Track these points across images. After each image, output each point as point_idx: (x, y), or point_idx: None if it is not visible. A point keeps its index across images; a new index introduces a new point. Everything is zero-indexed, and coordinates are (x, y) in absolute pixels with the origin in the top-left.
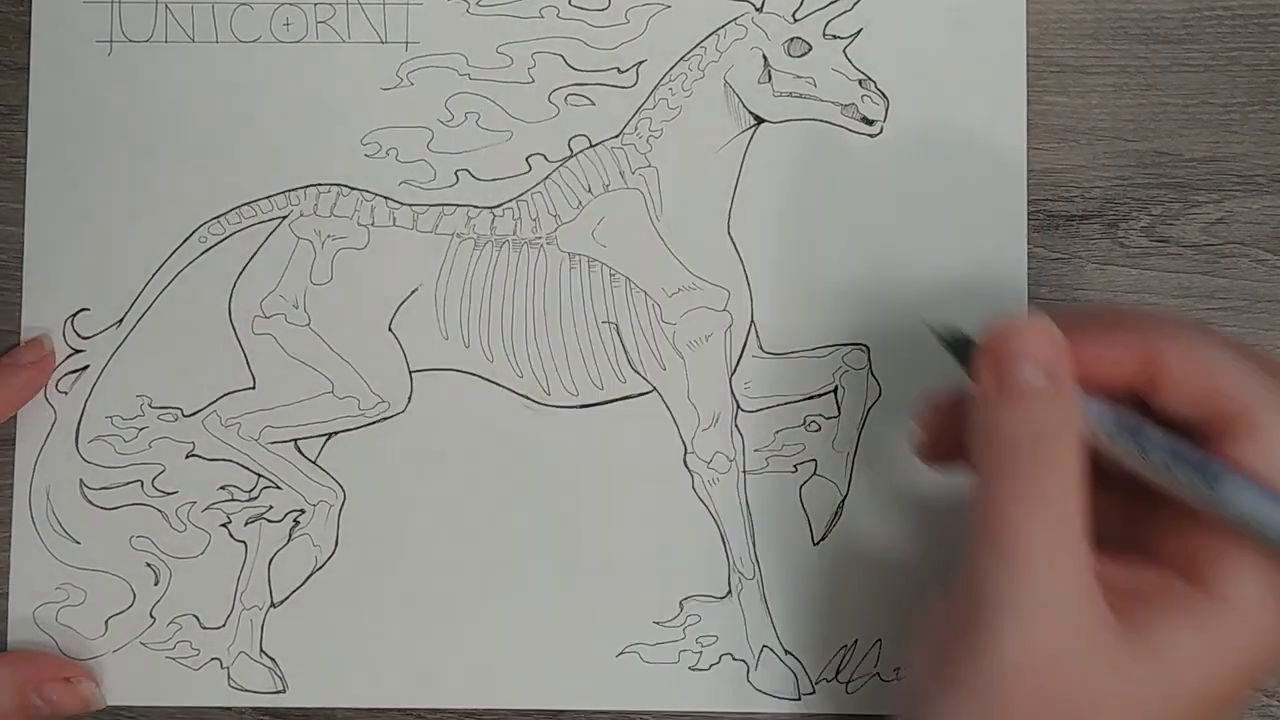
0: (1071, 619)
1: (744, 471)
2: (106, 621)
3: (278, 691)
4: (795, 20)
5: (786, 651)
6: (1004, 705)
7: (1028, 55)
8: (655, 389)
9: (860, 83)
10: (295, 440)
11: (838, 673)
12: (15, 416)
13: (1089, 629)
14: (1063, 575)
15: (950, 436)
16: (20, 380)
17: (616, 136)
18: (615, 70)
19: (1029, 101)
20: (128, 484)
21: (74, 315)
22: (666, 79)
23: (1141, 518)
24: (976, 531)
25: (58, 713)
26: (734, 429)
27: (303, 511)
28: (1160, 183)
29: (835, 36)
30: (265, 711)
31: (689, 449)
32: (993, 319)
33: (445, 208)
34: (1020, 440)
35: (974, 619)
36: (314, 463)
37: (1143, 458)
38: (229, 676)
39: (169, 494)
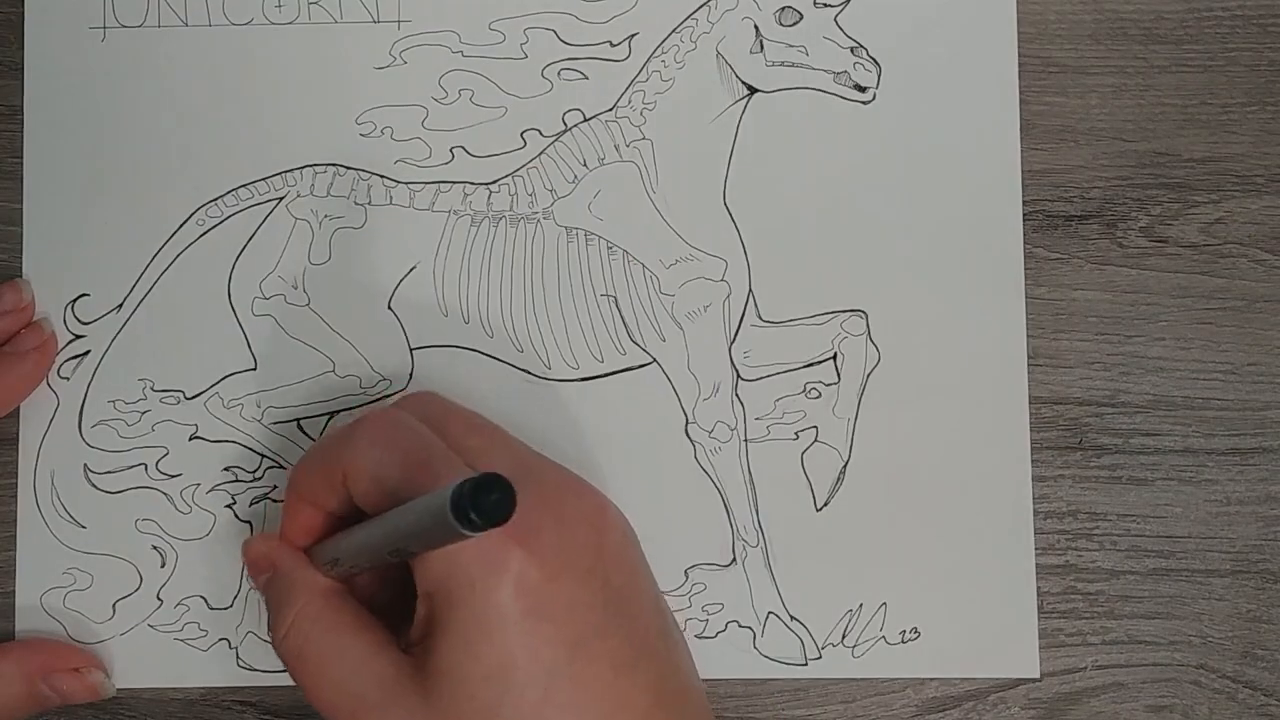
0: (385, 715)
1: (745, 440)
2: (114, 605)
3: (285, 670)
4: None
5: (792, 617)
6: None
7: (1027, 56)
8: (655, 360)
9: (852, 50)
10: (298, 420)
11: (844, 637)
12: (18, 409)
13: (398, 708)
14: (357, 691)
15: None
16: (25, 366)
17: (610, 110)
18: (608, 44)
19: (1028, 103)
20: (132, 467)
21: (74, 301)
22: (659, 51)
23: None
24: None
25: (67, 702)
26: (734, 398)
27: None
28: (1159, 183)
29: (826, 5)
30: (274, 690)
31: (690, 419)
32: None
33: (441, 185)
34: (274, 613)
35: None
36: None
37: (366, 559)
38: (238, 657)
39: (173, 476)
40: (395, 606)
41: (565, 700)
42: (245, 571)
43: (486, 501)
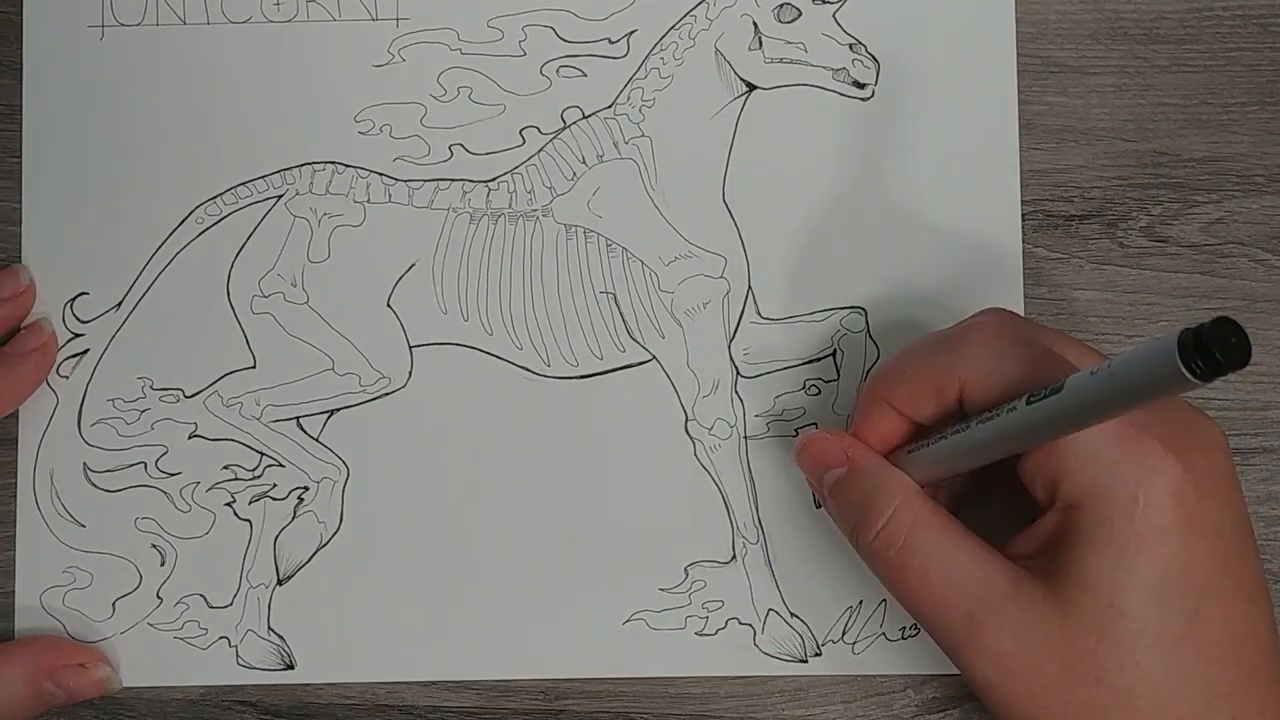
0: (1005, 621)
1: (745, 437)
2: (113, 604)
3: (286, 668)
4: None
5: (792, 614)
6: (1016, 716)
7: (1027, 56)
8: (655, 357)
9: (850, 47)
10: (297, 418)
11: (844, 633)
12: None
13: (1023, 616)
14: (972, 593)
15: None
16: (26, 368)
17: (609, 107)
18: (606, 41)
19: (1028, 102)
20: (131, 466)
21: (73, 299)
22: (658, 48)
23: (1014, 496)
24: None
25: (74, 698)
26: (734, 395)
27: (306, 489)
28: (1159, 183)
29: (825, 1)
30: (274, 689)
31: (690, 416)
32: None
33: (440, 183)
34: (860, 515)
35: (958, 666)
36: (316, 440)
37: (947, 456)
38: (237, 655)
39: (173, 475)
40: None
41: (1212, 620)
42: (801, 465)
43: (1228, 344)
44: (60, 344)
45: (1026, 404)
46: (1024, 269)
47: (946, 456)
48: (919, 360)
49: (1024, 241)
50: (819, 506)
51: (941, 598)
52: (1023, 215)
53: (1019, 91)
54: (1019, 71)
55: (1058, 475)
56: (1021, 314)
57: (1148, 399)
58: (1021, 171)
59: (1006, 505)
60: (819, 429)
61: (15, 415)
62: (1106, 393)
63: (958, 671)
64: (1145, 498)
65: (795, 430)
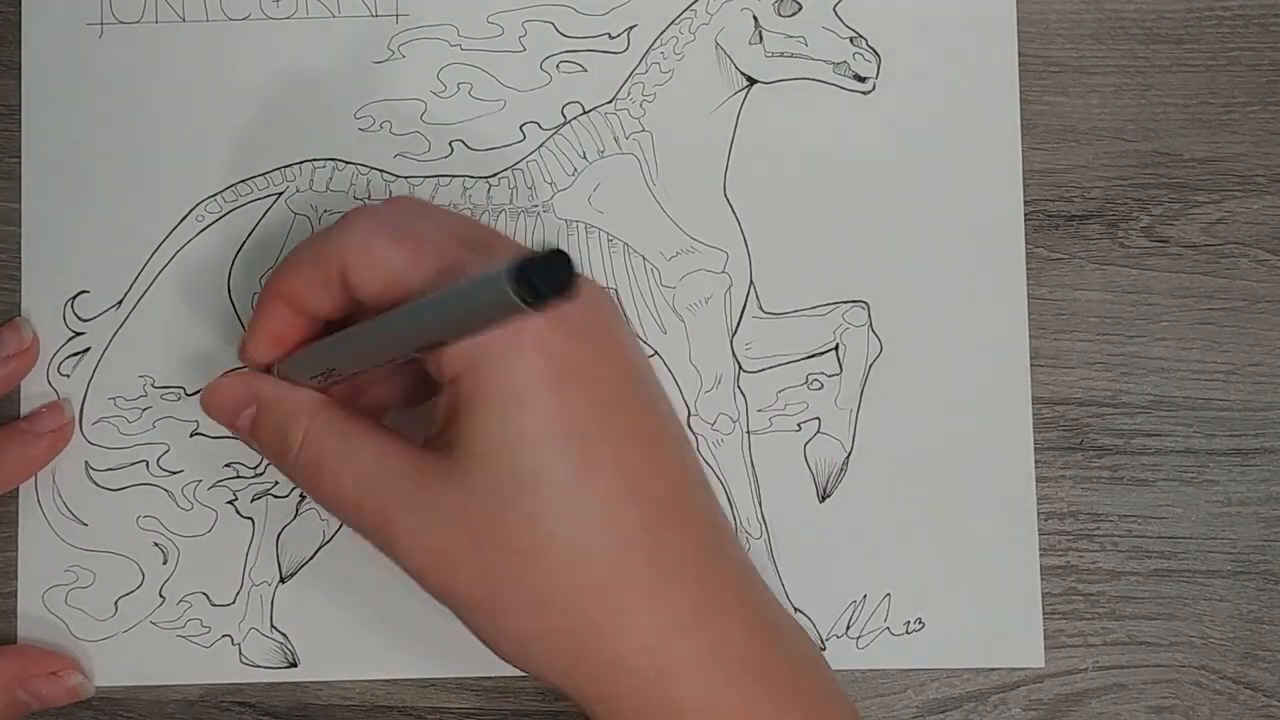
0: (412, 504)
1: (748, 432)
2: (116, 602)
3: (290, 666)
4: None
5: (796, 609)
6: (460, 603)
7: (1028, 56)
8: (657, 353)
9: (851, 40)
10: None
11: (848, 628)
12: (18, 398)
13: (427, 495)
14: (382, 486)
15: None
16: (38, 448)
17: (610, 102)
18: (606, 36)
19: (1029, 102)
20: (133, 464)
21: (73, 298)
22: (658, 43)
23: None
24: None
25: (46, 706)
26: (736, 390)
27: None
28: (1160, 183)
29: None
30: (274, 689)
31: (692, 411)
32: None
33: (441, 179)
34: (276, 447)
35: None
36: None
37: (348, 356)
38: (240, 653)
39: (174, 473)
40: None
41: (604, 465)
42: (211, 414)
43: (553, 275)
44: (61, 343)
45: (386, 319)
46: (1025, 269)
47: (343, 354)
48: (306, 249)
49: (1025, 241)
50: (824, 500)
51: (356, 501)
52: (1024, 215)
53: (1020, 91)
54: (1020, 71)
55: (440, 353)
56: (1026, 317)
57: (485, 326)
58: (1022, 171)
59: (425, 389)
60: (217, 378)
61: (15, 411)
62: (439, 318)
63: (961, 668)
64: (513, 354)
65: (798, 424)
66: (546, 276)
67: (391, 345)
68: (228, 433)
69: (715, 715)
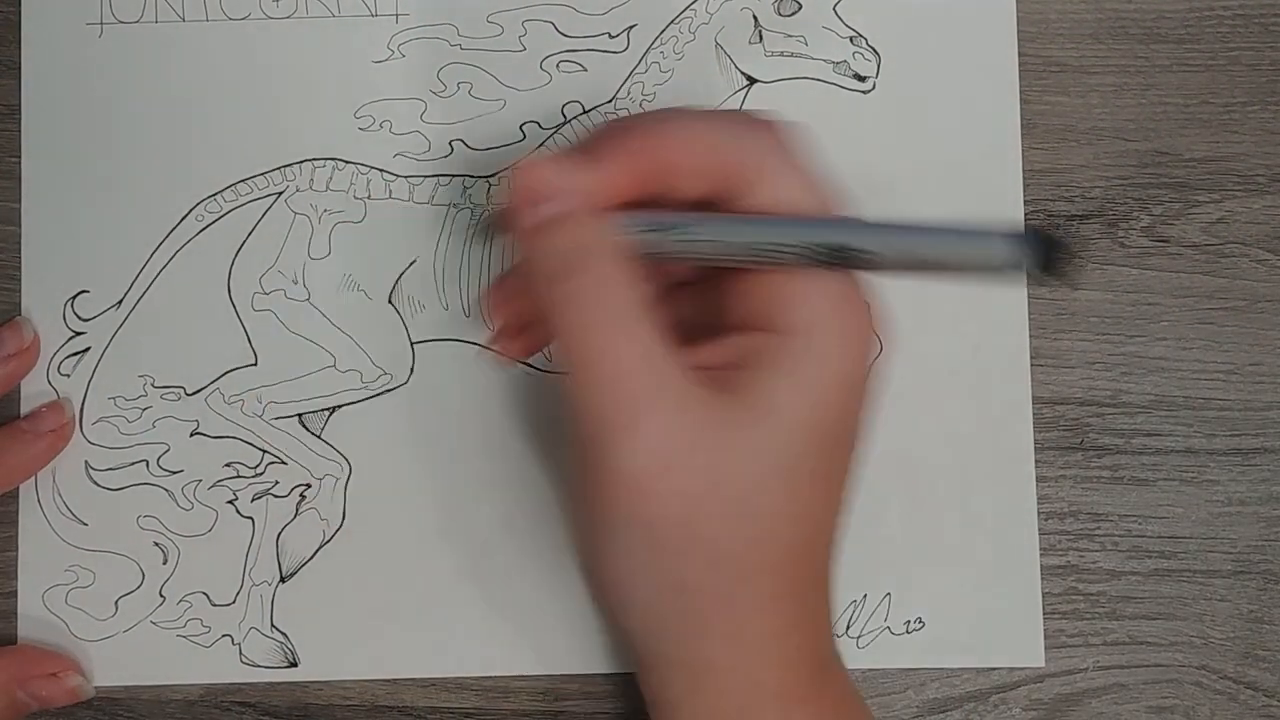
0: (669, 415)
1: None
2: (116, 602)
3: (290, 665)
4: None
5: None
6: (641, 525)
7: (1028, 55)
8: None
9: (851, 40)
10: (299, 415)
11: (847, 628)
12: (19, 398)
13: (689, 416)
14: (644, 376)
15: (525, 316)
16: (38, 447)
17: (610, 102)
18: (606, 36)
19: (1029, 102)
20: (133, 464)
21: (73, 297)
22: (658, 43)
23: (715, 302)
24: (564, 368)
25: (46, 707)
26: None
27: (309, 486)
28: (1160, 183)
29: None
30: (274, 689)
31: None
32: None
33: (441, 178)
34: (561, 266)
35: (589, 460)
36: (318, 437)
37: (690, 241)
38: (241, 653)
39: (174, 473)
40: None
41: (839, 470)
42: (515, 184)
43: (1057, 255)
44: (61, 342)
45: (835, 224)
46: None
47: (694, 239)
48: (707, 130)
49: None
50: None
51: (615, 375)
52: (1023, 215)
53: (1020, 91)
54: (1020, 71)
55: (786, 299)
56: (1026, 317)
57: (963, 274)
58: (1022, 171)
59: (695, 314)
60: (537, 158)
61: (15, 411)
62: (922, 250)
63: (961, 667)
64: (843, 350)
65: None
66: (1053, 253)
67: (791, 252)
68: (227, 432)
69: (789, 701)
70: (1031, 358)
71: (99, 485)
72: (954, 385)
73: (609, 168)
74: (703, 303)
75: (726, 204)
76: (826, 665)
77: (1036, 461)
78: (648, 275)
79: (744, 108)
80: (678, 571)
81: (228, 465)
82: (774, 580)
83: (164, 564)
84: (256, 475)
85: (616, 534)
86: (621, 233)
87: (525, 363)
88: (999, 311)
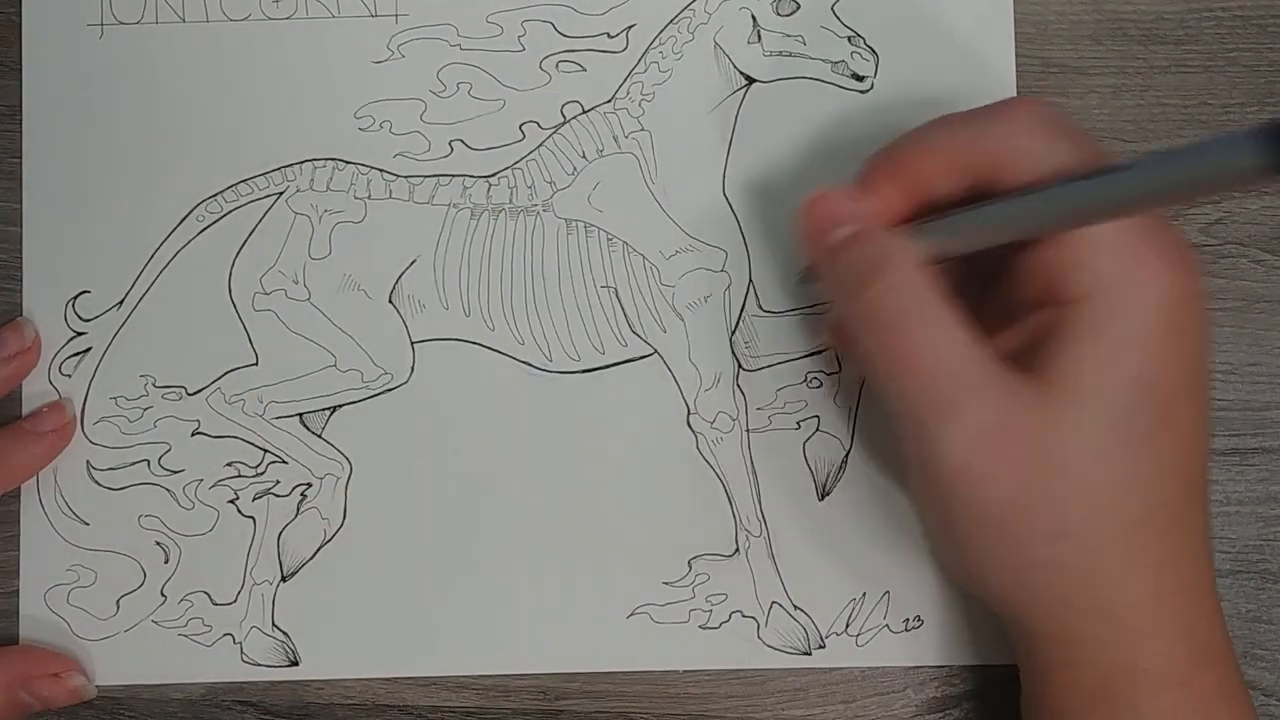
0: (986, 400)
1: (747, 430)
2: (118, 601)
3: (291, 664)
4: None
5: (796, 607)
6: (977, 509)
7: (1027, 56)
8: (656, 351)
9: (850, 39)
10: (300, 414)
11: (848, 626)
12: (20, 398)
13: (1004, 399)
14: (956, 367)
15: None
16: (40, 447)
17: (609, 101)
18: (605, 36)
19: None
20: (134, 464)
21: (75, 298)
22: (656, 42)
23: (1009, 290)
24: (876, 380)
25: (48, 707)
26: (736, 388)
27: (310, 485)
28: None
29: None
30: (275, 688)
31: (692, 410)
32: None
33: (441, 178)
34: (862, 277)
35: (917, 456)
36: (319, 436)
37: (963, 233)
38: (242, 652)
39: (176, 472)
40: None
41: (1177, 431)
42: (805, 220)
43: None
44: (62, 343)
45: (1087, 178)
46: None
47: (965, 230)
48: (947, 134)
49: None
50: (823, 498)
51: (929, 368)
52: None
53: (1018, 92)
54: (1018, 72)
55: (1062, 271)
56: None
57: (1219, 187)
58: None
59: (988, 306)
60: (824, 191)
61: (17, 411)
62: (1176, 175)
63: (962, 664)
64: (1143, 302)
65: (797, 423)
66: None
67: (1061, 218)
68: (228, 432)
69: (1160, 684)
70: None
71: (100, 485)
72: None
73: (881, 190)
74: (998, 293)
75: (989, 191)
76: (1208, 646)
77: None
78: (941, 275)
79: (743, 107)
80: (1025, 550)
81: (229, 465)
82: (1125, 551)
83: (165, 563)
84: (257, 475)
85: (956, 520)
86: (909, 240)
87: (525, 362)
88: None
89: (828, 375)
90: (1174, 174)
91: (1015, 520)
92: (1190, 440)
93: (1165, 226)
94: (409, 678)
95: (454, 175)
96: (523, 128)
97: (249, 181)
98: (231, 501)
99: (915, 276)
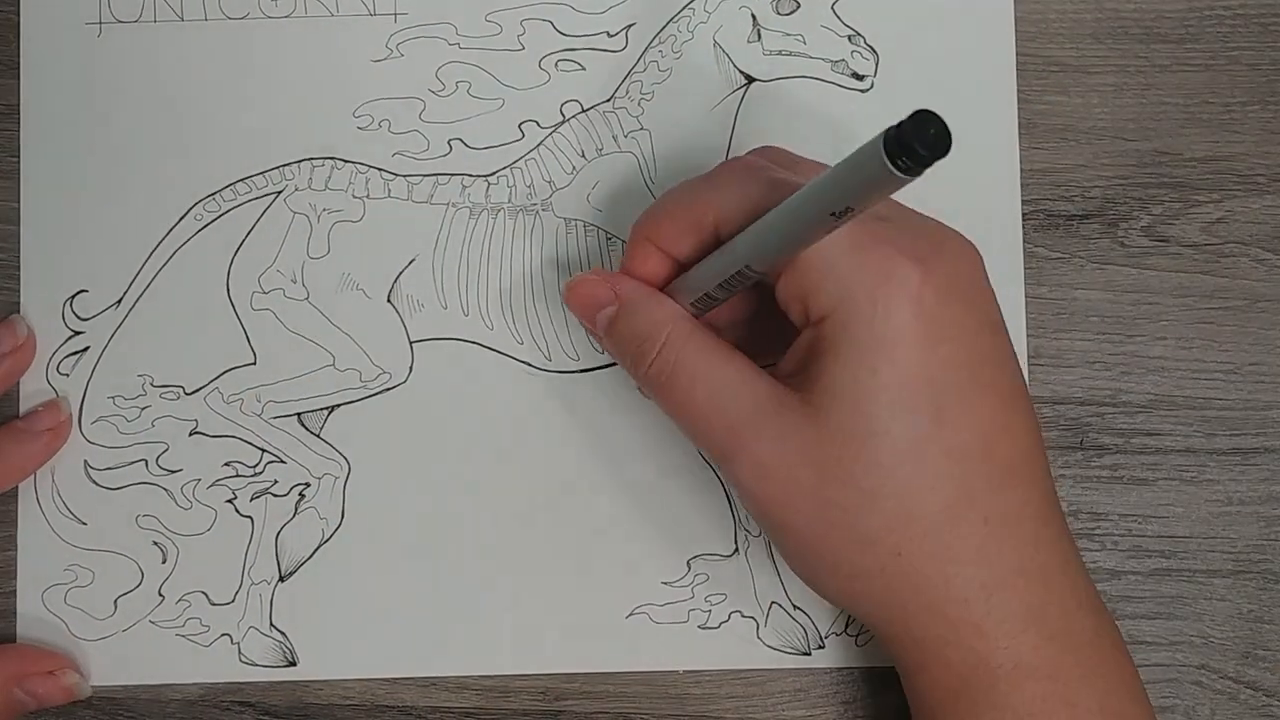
0: (763, 433)
1: None
2: (115, 601)
3: (289, 664)
4: None
5: (795, 607)
6: (791, 532)
7: (1028, 55)
8: None
9: (849, 39)
10: (298, 414)
11: (847, 626)
12: (17, 397)
13: (781, 428)
14: (735, 407)
15: None
16: (36, 446)
17: (608, 100)
18: (604, 34)
19: (1029, 101)
20: (132, 463)
21: (72, 297)
22: (656, 41)
23: (778, 324)
24: (680, 425)
25: (43, 705)
26: None
27: (308, 485)
28: (1160, 182)
29: None
30: (273, 688)
31: None
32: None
33: (439, 177)
34: (640, 344)
35: (727, 478)
36: (317, 436)
37: (708, 281)
38: (239, 652)
39: (174, 472)
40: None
41: (957, 421)
42: (572, 307)
43: (927, 135)
44: (60, 342)
45: (767, 212)
46: (1024, 268)
47: (704, 279)
48: (677, 198)
49: (1024, 241)
50: None
51: (706, 413)
52: (1023, 215)
53: (1019, 91)
54: (1019, 70)
55: (806, 293)
56: (1025, 317)
57: (868, 200)
58: (1021, 171)
59: (775, 338)
60: (583, 273)
61: (14, 410)
62: (825, 195)
63: None
64: (884, 303)
65: None
66: (920, 139)
67: (761, 252)
68: (226, 432)
69: (1018, 676)
70: (1031, 357)
71: (98, 484)
72: None
73: (636, 259)
74: (775, 324)
75: (719, 244)
76: (1063, 631)
77: None
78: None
79: (743, 107)
80: (844, 564)
81: (227, 464)
82: (938, 549)
83: (163, 563)
84: (255, 474)
85: (780, 544)
86: (667, 298)
87: (524, 361)
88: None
89: None
90: (826, 190)
91: (824, 538)
92: (989, 424)
93: (913, 225)
94: (408, 678)
95: (453, 174)
96: (522, 127)
97: (247, 180)
98: (229, 501)
99: (681, 329)
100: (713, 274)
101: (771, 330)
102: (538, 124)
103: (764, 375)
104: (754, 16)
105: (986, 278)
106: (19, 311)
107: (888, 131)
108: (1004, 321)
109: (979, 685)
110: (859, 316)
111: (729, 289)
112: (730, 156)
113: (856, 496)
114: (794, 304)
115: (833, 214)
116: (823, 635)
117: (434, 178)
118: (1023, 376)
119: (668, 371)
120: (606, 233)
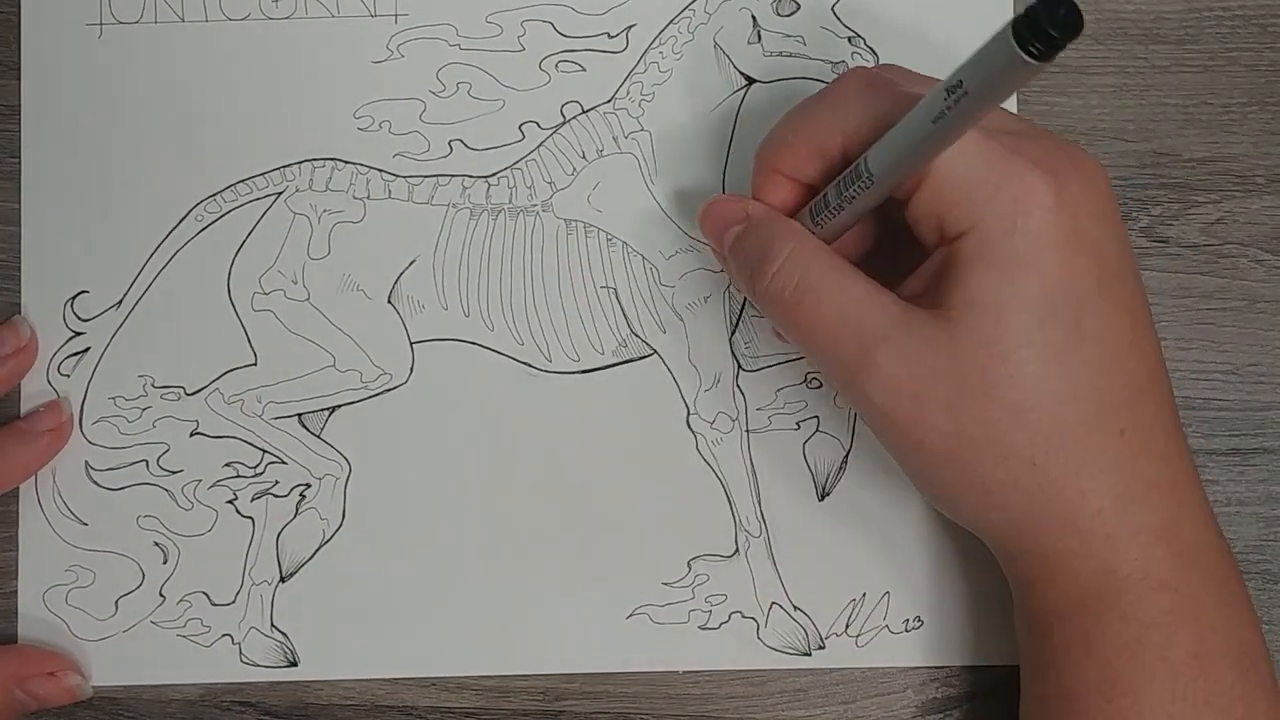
0: (895, 347)
1: (747, 431)
2: (116, 602)
3: (290, 665)
4: None
5: (796, 607)
6: (915, 449)
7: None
8: (656, 352)
9: (850, 40)
10: (299, 415)
11: (847, 626)
12: (19, 399)
13: (914, 342)
14: (867, 315)
15: None
16: (38, 447)
17: (609, 102)
18: (605, 36)
19: (1028, 102)
20: (133, 464)
21: (73, 298)
22: (656, 43)
23: (910, 247)
24: (801, 351)
25: (44, 706)
26: (736, 389)
27: (308, 486)
28: (1160, 183)
29: None
30: (274, 689)
31: (691, 410)
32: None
33: (440, 178)
34: (759, 258)
35: (857, 409)
36: (318, 436)
37: (834, 205)
38: (240, 652)
39: (174, 473)
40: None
41: (1094, 334)
42: (704, 228)
43: (1057, 16)
44: (61, 342)
45: (898, 120)
46: None
47: (832, 202)
48: (799, 125)
49: None
50: (823, 499)
51: (836, 331)
52: None
53: (1017, 92)
54: None
55: (942, 210)
56: None
57: (999, 92)
58: None
59: (894, 272)
60: (715, 196)
61: (15, 411)
62: (958, 96)
63: (962, 665)
64: (1023, 217)
65: (797, 423)
66: (1052, 20)
67: (895, 167)
68: (227, 432)
69: (1145, 587)
70: None
71: (99, 485)
72: None
73: (764, 189)
74: (906, 248)
75: (846, 164)
76: (1192, 545)
77: None
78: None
79: (743, 108)
80: (977, 477)
81: (227, 465)
82: (1076, 461)
83: (164, 564)
84: (256, 475)
85: (908, 461)
86: (795, 220)
87: (525, 362)
88: None
89: None
90: (954, 100)
91: (958, 452)
92: (1121, 339)
93: (1044, 141)
94: (409, 678)
95: (453, 175)
96: (522, 128)
97: (248, 181)
98: (230, 502)
99: (805, 247)
100: (840, 197)
101: (891, 263)
102: (538, 125)
103: (890, 294)
104: (754, 18)
105: (1114, 194)
106: (20, 312)
107: (1016, 19)
108: (1129, 240)
109: (1105, 596)
110: (999, 230)
111: (857, 212)
112: (734, 149)
113: (998, 409)
114: (927, 222)
115: (967, 116)
116: (823, 636)
117: (434, 179)
118: (1145, 294)
119: (791, 287)
120: (607, 234)
